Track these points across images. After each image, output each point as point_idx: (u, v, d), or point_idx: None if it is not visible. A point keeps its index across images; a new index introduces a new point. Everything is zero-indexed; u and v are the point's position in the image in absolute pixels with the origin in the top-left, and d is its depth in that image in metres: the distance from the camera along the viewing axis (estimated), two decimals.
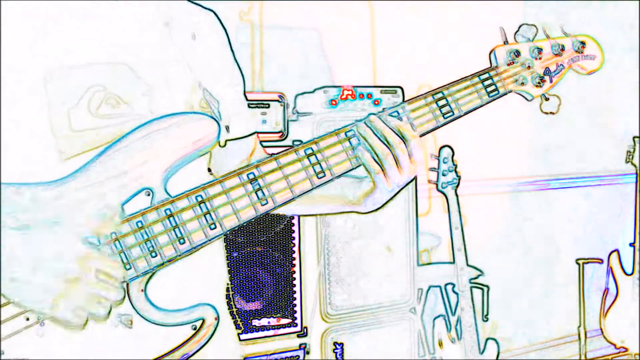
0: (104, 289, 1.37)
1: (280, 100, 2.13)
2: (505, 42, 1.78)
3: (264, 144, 1.82)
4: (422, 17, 2.40)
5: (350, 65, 2.29)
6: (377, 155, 1.57)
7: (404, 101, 1.73)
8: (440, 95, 1.67)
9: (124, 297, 1.40)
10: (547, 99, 1.80)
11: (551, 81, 1.80)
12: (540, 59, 1.78)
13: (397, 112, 1.63)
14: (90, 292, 1.36)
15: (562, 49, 1.80)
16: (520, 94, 1.80)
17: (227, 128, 1.61)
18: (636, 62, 2.76)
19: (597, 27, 2.66)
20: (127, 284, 1.42)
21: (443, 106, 1.67)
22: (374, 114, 1.61)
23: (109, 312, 1.39)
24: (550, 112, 1.80)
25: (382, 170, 1.58)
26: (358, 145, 1.59)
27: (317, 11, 2.23)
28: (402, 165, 1.58)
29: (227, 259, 1.93)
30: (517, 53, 1.77)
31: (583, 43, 1.82)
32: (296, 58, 2.21)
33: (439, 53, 2.40)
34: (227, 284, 1.58)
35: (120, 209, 1.40)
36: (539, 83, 1.78)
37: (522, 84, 1.77)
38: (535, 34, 1.79)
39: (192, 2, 1.58)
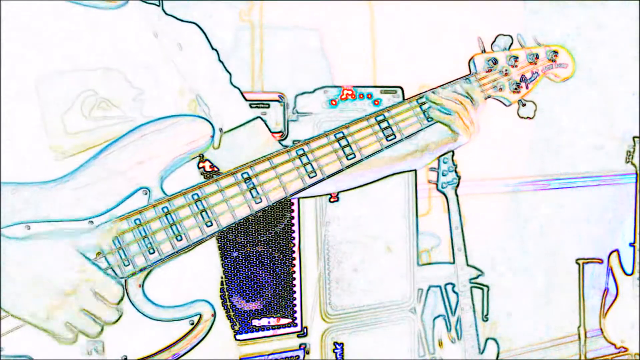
0: (99, 307, 1.38)
1: (280, 100, 2.14)
2: (483, 51, 1.90)
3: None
4: (422, 17, 2.40)
5: (350, 65, 2.29)
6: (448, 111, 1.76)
7: (403, 99, 1.80)
8: (424, 100, 1.79)
9: (119, 317, 1.41)
10: (524, 105, 1.91)
11: (527, 88, 1.92)
12: (516, 66, 1.90)
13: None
14: (85, 309, 1.37)
15: (537, 57, 1.92)
16: (498, 100, 1.92)
17: (221, 130, 1.63)
18: (636, 61, 2.76)
19: (598, 26, 2.66)
20: (125, 281, 1.43)
21: (428, 109, 1.79)
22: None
23: (101, 330, 1.40)
24: (527, 117, 1.92)
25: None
26: (429, 108, 1.76)
27: (317, 11, 2.23)
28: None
29: (227, 259, 1.94)
30: (495, 61, 1.88)
31: (556, 52, 1.95)
32: (296, 58, 2.21)
33: (439, 53, 2.41)
34: (221, 278, 1.60)
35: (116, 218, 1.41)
36: (515, 89, 1.89)
37: (500, 89, 1.89)
38: (511, 44, 1.90)
39: (175, 18, 1.61)
